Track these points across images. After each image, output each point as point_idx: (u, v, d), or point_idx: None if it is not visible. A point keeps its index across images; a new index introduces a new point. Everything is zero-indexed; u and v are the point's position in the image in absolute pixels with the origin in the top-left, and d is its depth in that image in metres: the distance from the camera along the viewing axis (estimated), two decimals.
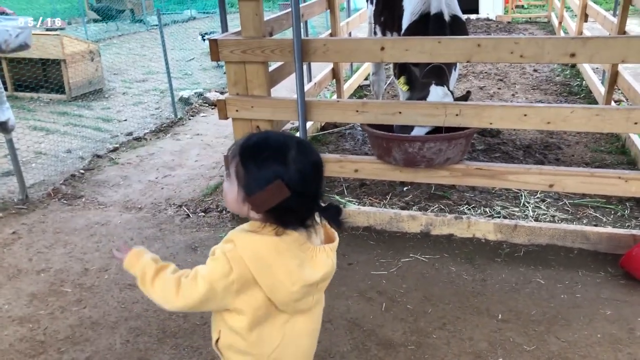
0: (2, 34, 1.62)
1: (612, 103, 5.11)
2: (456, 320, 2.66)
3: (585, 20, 7.00)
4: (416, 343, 2.53)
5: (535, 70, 7.24)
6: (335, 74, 5.50)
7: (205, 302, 1.36)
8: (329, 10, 5.46)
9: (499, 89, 6.49)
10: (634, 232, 3.12)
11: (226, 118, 3.53)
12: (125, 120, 6.14)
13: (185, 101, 6.54)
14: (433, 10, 3.61)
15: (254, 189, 1.29)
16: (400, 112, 3.17)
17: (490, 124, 3.08)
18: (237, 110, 3.48)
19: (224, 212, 3.89)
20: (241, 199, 1.32)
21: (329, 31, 5.63)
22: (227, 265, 1.31)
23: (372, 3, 4.59)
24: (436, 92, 3.27)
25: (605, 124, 2.93)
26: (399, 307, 2.79)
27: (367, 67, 6.61)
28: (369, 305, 2.80)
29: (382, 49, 3.08)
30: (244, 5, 3.26)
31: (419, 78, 3.38)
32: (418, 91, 3.37)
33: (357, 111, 3.26)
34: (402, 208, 3.62)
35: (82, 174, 4.67)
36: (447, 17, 3.60)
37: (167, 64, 6.08)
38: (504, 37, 3.16)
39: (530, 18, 11.73)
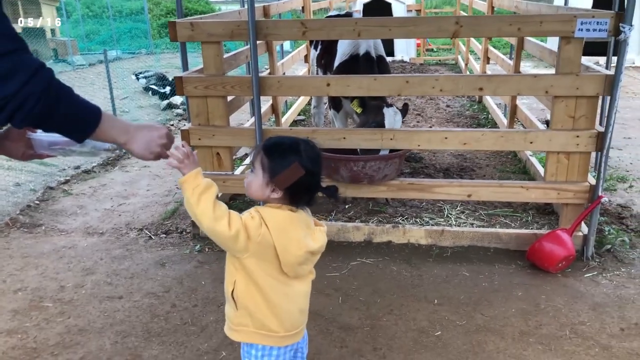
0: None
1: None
2: (401, 307, 3.20)
3: (487, 62, 8.05)
4: (370, 325, 3.03)
5: (448, 106, 8.18)
6: (274, 109, 6.06)
7: (235, 237, 1.72)
8: (267, 52, 6.04)
9: (418, 122, 7.31)
10: (536, 231, 3.83)
11: (190, 147, 3.94)
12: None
13: None
14: (362, 52, 4.28)
15: (278, 171, 1.77)
16: (344, 138, 3.74)
17: (419, 145, 3.72)
18: (199, 139, 3.91)
19: (184, 233, 4.25)
20: (265, 182, 1.79)
21: (268, 70, 6.19)
22: (259, 221, 1.76)
23: (315, 48, 5.24)
24: (389, 113, 3.92)
25: (508, 143, 3.65)
26: (352, 299, 3.28)
27: (300, 103, 7.22)
28: (328, 299, 3.28)
29: (328, 84, 3.66)
30: (206, 47, 3.74)
31: (369, 101, 4.01)
32: (371, 112, 3.99)
33: (307, 137, 3.79)
34: (346, 222, 4.16)
35: (38, 204, 4.85)
36: (374, 56, 4.28)
37: (111, 93, 6.36)
38: (427, 75, 3.83)
39: (440, 60, 12.97)
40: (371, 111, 3.96)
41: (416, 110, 7.88)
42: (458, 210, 4.41)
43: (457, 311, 3.14)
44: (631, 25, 3.19)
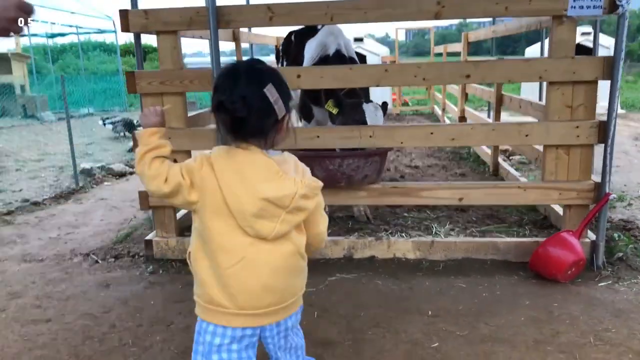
0: None
1: (500, 159, 5.64)
2: (389, 320, 2.66)
3: (466, 99, 7.86)
4: (352, 339, 2.48)
5: None
6: None
7: (173, 193, 1.56)
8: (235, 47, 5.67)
9: (397, 156, 6.96)
10: (537, 239, 3.37)
11: None
12: (21, 190, 5.75)
13: (88, 172, 6.29)
14: (332, 52, 3.93)
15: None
16: (318, 137, 3.31)
17: (401, 143, 3.30)
18: None
19: (136, 256, 3.68)
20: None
21: None
22: (200, 163, 1.57)
23: (281, 64, 4.88)
24: (369, 109, 3.51)
25: (501, 137, 3.26)
26: (330, 314, 2.74)
27: None
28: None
29: (298, 76, 3.27)
30: (162, 39, 3.35)
31: (345, 100, 3.58)
32: (349, 111, 3.53)
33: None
34: None
35: None
36: (346, 55, 3.93)
37: (70, 132, 5.90)
38: (408, 62, 3.48)
39: (416, 110, 12.88)
40: (349, 110, 3.54)
41: (395, 147, 7.54)
42: (447, 227, 3.94)
43: (456, 322, 2.61)
44: None
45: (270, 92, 1.53)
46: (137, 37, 3.42)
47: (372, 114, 3.50)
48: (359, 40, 11.97)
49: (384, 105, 3.72)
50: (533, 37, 14.20)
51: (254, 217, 1.51)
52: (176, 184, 1.54)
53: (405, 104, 14.42)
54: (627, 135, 8.34)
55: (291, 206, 1.55)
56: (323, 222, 1.73)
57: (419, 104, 14.27)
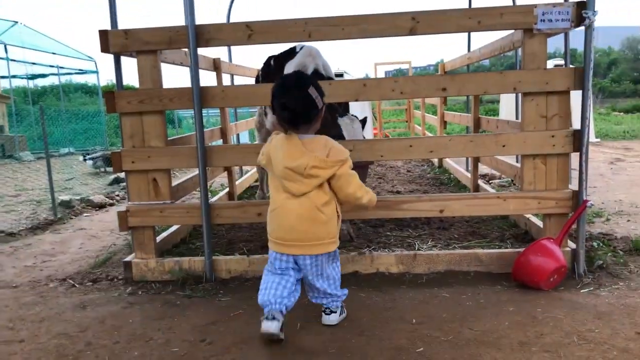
0: None
1: (480, 182, 5.70)
2: (373, 328, 2.62)
3: (445, 127, 7.98)
4: (337, 348, 2.42)
5: (408, 171, 7.95)
6: (229, 173, 5.65)
7: (260, 158, 2.61)
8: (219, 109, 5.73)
9: (380, 183, 6.99)
10: (519, 249, 3.37)
11: (121, 171, 3.44)
12: None
13: (67, 204, 6.19)
14: (310, 70, 3.98)
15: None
16: None
17: (382, 156, 3.32)
18: (133, 162, 3.42)
19: (115, 280, 3.60)
20: None
21: (220, 126, 5.84)
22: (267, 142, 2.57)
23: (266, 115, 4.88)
24: (344, 122, 3.53)
25: (479, 148, 3.30)
26: (313, 325, 2.69)
27: (253, 174, 6.85)
28: (284, 327, 2.67)
29: None
30: (142, 58, 3.37)
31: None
32: (324, 128, 3.55)
33: (257, 153, 3.36)
34: None
35: None
36: (324, 74, 3.98)
37: (48, 164, 5.84)
38: (385, 78, 3.54)
39: None
40: (324, 127, 3.56)
41: (377, 175, 7.60)
42: (430, 244, 3.94)
43: (440, 328, 2.58)
44: (594, 11, 3.03)
45: (312, 91, 2.36)
46: (117, 59, 3.43)
47: (348, 126, 3.53)
48: (339, 76, 12.17)
49: (363, 120, 3.75)
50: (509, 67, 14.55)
51: (283, 179, 2.40)
52: (260, 153, 2.58)
53: (387, 137, 14.60)
54: (602, 160, 8.51)
55: (305, 173, 2.33)
56: (351, 186, 2.43)
57: (400, 137, 14.46)
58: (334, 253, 2.55)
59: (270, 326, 2.38)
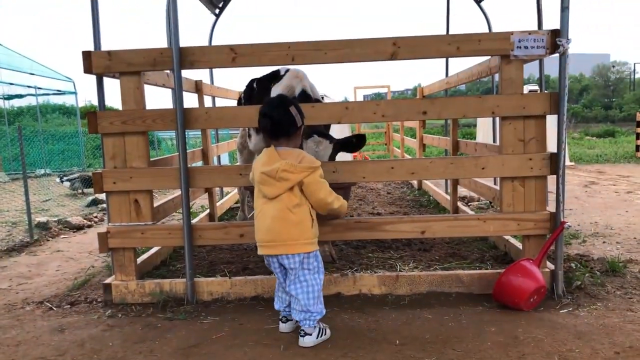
0: None
1: (459, 204, 5.77)
2: (357, 349, 2.62)
3: (424, 150, 8.10)
4: None
5: (388, 193, 8.02)
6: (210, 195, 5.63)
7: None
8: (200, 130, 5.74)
9: (360, 205, 7.03)
10: (500, 270, 3.42)
11: (102, 191, 3.41)
12: None
13: (43, 226, 6.08)
14: (297, 92, 4.03)
15: None
16: None
17: (364, 177, 3.36)
18: (114, 183, 3.39)
19: (94, 302, 3.54)
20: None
21: (201, 147, 5.84)
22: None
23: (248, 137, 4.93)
24: (308, 146, 3.55)
25: (459, 170, 3.37)
26: (297, 347, 2.68)
27: (234, 195, 6.84)
28: (267, 349, 2.66)
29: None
30: (125, 80, 3.38)
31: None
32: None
33: (240, 174, 3.38)
34: None
35: None
36: (312, 95, 4.03)
37: (25, 183, 5.75)
38: (367, 101, 3.59)
39: None
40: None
41: (358, 197, 7.65)
42: (411, 266, 3.96)
43: (423, 349, 2.59)
44: (568, 39, 3.14)
45: (292, 110, 2.67)
46: (100, 80, 3.43)
47: (311, 150, 3.56)
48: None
49: (331, 139, 3.74)
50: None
51: (260, 183, 2.67)
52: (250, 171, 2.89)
53: (366, 159, 14.72)
54: (577, 183, 8.70)
55: (277, 176, 2.58)
56: (322, 192, 2.67)
57: (380, 159, 14.59)
58: (312, 260, 2.70)
59: (284, 328, 2.86)
